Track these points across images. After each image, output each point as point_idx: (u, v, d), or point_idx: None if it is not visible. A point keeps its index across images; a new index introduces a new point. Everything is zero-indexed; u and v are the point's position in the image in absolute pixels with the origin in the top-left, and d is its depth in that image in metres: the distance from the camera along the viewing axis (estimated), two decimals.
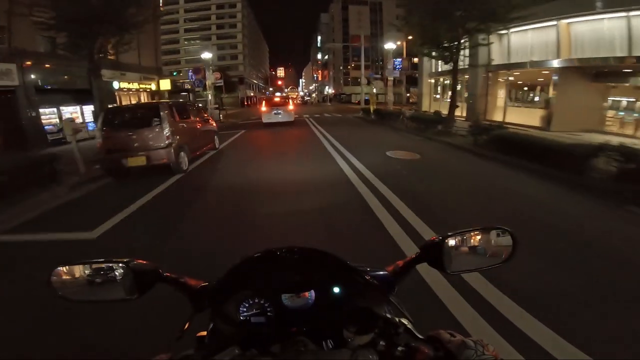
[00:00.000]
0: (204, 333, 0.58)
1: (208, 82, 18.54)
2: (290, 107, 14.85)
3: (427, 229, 3.17)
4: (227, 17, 64.46)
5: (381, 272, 0.61)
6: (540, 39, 12.22)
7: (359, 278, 0.57)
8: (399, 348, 0.52)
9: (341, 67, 64.93)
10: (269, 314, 0.54)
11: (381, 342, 0.53)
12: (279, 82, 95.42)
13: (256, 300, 0.54)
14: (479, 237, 0.63)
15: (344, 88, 64.62)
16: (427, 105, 21.68)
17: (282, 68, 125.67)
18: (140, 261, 0.59)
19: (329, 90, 69.55)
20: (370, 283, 0.57)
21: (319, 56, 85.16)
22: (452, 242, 0.62)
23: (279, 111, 14.28)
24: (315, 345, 0.53)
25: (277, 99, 16.92)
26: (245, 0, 67.16)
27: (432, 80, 21.76)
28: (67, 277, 0.59)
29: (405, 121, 12.41)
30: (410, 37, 16.06)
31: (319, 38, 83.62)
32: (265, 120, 14.26)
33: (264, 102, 15.09)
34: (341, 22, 63.31)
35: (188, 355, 0.53)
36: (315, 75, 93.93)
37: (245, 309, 0.54)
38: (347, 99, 61.19)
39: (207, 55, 19.95)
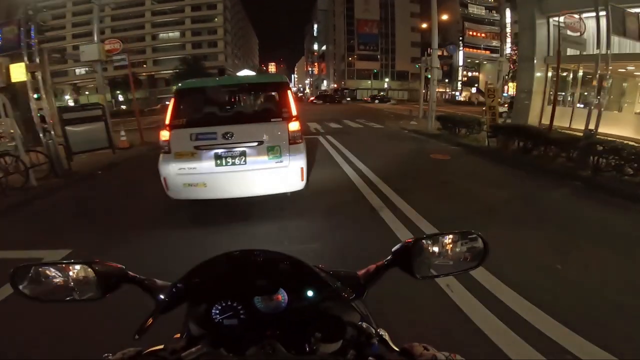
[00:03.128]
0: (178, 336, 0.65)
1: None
2: (293, 125, 4.11)
3: None
4: None
5: (352, 276, 0.69)
6: None
7: (325, 282, 0.64)
8: (369, 358, 0.58)
9: (344, 58, 64.48)
10: (241, 316, 0.62)
11: (351, 351, 0.60)
12: None
13: (229, 303, 0.62)
14: (450, 241, 0.72)
15: (347, 82, 64.03)
16: (536, 114, 13.54)
17: (273, 63, 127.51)
18: (106, 262, 0.70)
19: (327, 84, 68.88)
20: (335, 287, 0.64)
21: (315, 47, 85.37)
22: (423, 246, 0.71)
23: (241, 146, 4.02)
24: (287, 350, 0.58)
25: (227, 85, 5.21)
26: None
27: (549, 72, 13.82)
28: (30, 276, 0.68)
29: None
30: None
31: (316, 27, 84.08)
32: (174, 193, 4.14)
33: (172, 108, 4.11)
34: (344, 5, 63.14)
35: (157, 349, 0.59)
36: (310, 69, 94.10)
37: (217, 311, 0.62)
38: (352, 95, 60.65)
39: None
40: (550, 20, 12.84)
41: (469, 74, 60.26)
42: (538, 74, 13.49)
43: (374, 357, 0.59)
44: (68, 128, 8.62)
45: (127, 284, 0.70)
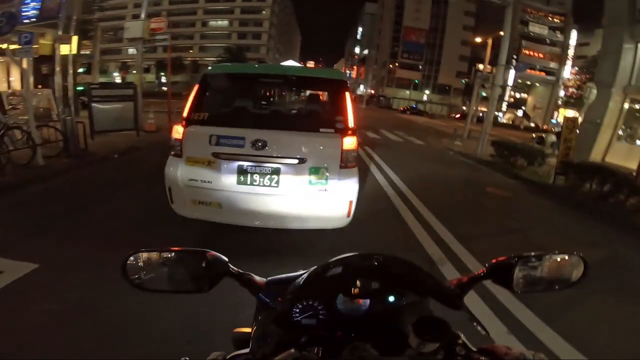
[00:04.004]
0: (242, 330, 0.66)
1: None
2: (349, 141, 2.97)
3: None
4: None
5: (446, 285, 0.70)
6: None
7: (427, 288, 0.66)
8: (458, 358, 0.58)
9: (385, 64, 62.75)
10: (320, 316, 0.62)
11: (441, 351, 0.59)
12: None
13: (310, 303, 0.62)
14: (549, 261, 0.73)
15: (385, 89, 62.36)
16: (601, 150, 11.85)
17: (312, 62, 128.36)
18: (214, 253, 0.67)
19: (364, 89, 67.62)
20: (440, 294, 0.65)
21: (357, 50, 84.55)
22: (521, 262, 0.71)
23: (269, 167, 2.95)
24: (378, 351, 0.58)
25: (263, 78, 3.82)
26: None
27: (626, 103, 12.08)
28: (144, 263, 0.67)
29: None
30: None
31: (360, 30, 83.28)
32: (179, 209, 3.12)
33: (193, 97, 3.11)
34: (393, 10, 61.36)
35: (243, 354, 0.59)
36: (348, 72, 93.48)
37: (298, 310, 0.62)
38: (386, 103, 59.01)
39: None
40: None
41: (517, 94, 56.90)
42: (612, 105, 11.69)
43: (462, 357, 0.59)
44: (94, 105, 8.14)
45: (228, 278, 0.68)
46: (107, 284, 2.25)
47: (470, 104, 17.72)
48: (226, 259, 0.69)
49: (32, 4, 8.58)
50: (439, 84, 60.75)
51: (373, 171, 7.00)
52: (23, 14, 9.02)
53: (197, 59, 58.65)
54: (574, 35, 52.72)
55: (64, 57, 9.66)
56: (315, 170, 2.88)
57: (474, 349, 0.61)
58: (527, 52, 54.97)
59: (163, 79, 48.48)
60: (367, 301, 0.64)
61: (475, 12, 55.56)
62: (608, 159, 11.62)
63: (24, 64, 6.38)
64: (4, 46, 7.04)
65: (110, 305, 2.24)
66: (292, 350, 0.56)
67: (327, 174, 2.89)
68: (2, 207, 4.05)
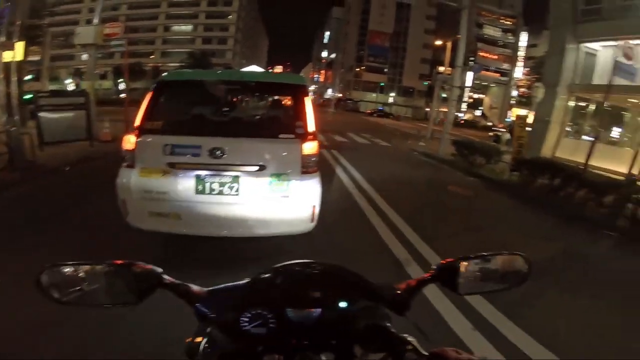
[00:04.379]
0: (195, 340, 0.63)
1: None
2: (309, 146, 2.93)
3: None
4: None
5: (393, 289, 0.70)
6: None
7: (375, 294, 0.67)
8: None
9: (352, 68, 63.82)
10: (270, 325, 0.61)
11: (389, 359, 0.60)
12: None
13: (259, 311, 0.61)
14: (493, 261, 0.74)
15: (352, 93, 63.29)
16: (550, 146, 12.64)
17: (280, 67, 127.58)
18: (143, 264, 0.65)
19: (332, 93, 68.26)
20: (388, 300, 0.67)
21: (324, 54, 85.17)
22: (466, 264, 0.71)
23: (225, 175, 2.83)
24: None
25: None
26: None
27: (572, 101, 12.97)
28: (59, 278, 0.63)
29: None
30: None
31: (327, 34, 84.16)
32: (135, 221, 2.90)
33: (146, 105, 2.93)
34: (359, 15, 62.77)
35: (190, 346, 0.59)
36: (316, 76, 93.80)
37: (246, 319, 0.61)
38: (354, 106, 59.98)
39: None
40: (581, 46, 12.14)
41: (475, 95, 59.94)
42: (559, 103, 12.60)
43: None
44: (43, 114, 7.59)
45: (162, 289, 0.66)
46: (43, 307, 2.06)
47: (432, 106, 18.42)
48: (159, 270, 0.66)
49: None
50: (404, 87, 62.62)
51: (339, 174, 7.06)
52: None
53: (159, 64, 56.52)
54: (524, 37, 56.36)
55: (7, 64, 8.97)
56: (276, 177, 2.82)
57: (425, 354, 0.60)
58: (482, 54, 58.18)
59: (122, 86, 46.25)
60: (319, 309, 0.63)
61: (436, 15, 57.69)
62: (558, 154, 12.42)
63: None
64: None
65: (78, 320, 2.09)
66: None
67: (288, 180, 2.84)
68: None
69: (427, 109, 37.51)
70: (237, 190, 2.79)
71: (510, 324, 2.45)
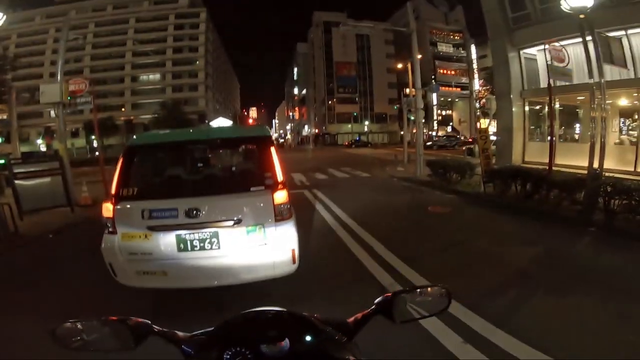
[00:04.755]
0: None
1: None
2: (280, 195, 3.16)
3: None
4: (187, 39, 63.89)
5: (343, 323, 0.85)
6: None
7: (322, 329, 0.80)
8: None
9: (324, 102, 65.45)
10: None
11: None
12: (250, 122, 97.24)
13: (238, 349, 0.71)
14: (422, 293, 0.92)
15: (328, 126, 64.30)
16: (519, 152, 13.37)
17: (254, 108, 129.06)
18: (135, 319, 0.82)
19: (308, 130, 69.35)
20: (330, 332, 0.80)
21: (296, 91, 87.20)
22: (400, 297, 0.89)
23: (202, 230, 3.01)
24: None
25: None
26: (210, 23, 68.45)
27: (527, 107, 13.67)
28: (70, 332, 0.80)
29: None
30: None
31: (296, 70, 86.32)
32: (124, 280, 3.09)
33: (119, 172, 3.14)
34: (323, 48, 65.09)
35: None
36: (291, 114, 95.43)
37: (228, 357, 0.70)
38: (332, 140, 61.11)
39: None
40: (521, 53, 12.86)
41: (443, 112, 62.83)
42: (516, 110, 13.35)
43: None
44: (19, 183, 7.55)
45: (153, 336, 0.81)
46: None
47: (404, 130, 19.20)
48: (149, 322, 0.82)
49: None
50: (376, 113, 64.48)
51: (321, 212, 7.15)
52: None
53: (132, 117, 56.08)
54: (473, 49, 60.19)
55: None
56: (252, 228, 3.02)
57: None
58: (442, 70, 61.76)
59: (95, 143, 45.47)
60: (287, 343, 0.72)
61: (393, 39, 60.79)
62: (527, 158, 13.04)
63: None
64: None
65: None
66: None
67: (265, 229, 3.03)
68: None
69: (402, 133, 38.93)
70: (217, 244, 2.97)
71: (500, 332, 2.57)
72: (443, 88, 59.38)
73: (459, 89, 61.99)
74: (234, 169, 4.04)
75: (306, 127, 74.80)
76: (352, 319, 0.87)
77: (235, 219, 2.99)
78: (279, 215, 3.08)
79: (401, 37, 49.21)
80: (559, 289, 3.39)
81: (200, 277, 3.01)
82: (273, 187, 3.12)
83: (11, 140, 15.59)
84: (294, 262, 3.13)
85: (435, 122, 59.33)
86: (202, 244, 2.96)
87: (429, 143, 38.25)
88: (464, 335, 2.57)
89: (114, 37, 60.79)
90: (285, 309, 0.84)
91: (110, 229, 2.98)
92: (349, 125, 62.64)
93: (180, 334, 0.83)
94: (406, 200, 8.60)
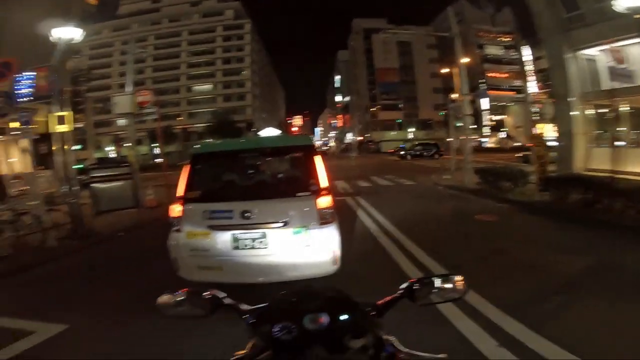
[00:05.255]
0: (241, 352, 0.88)
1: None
2: (323, 201, 3.45)
3: None
4: (234, 49, 67.18)
5: (372, 304, 0.97)
6: None
7: (357, 307, 0.92)
8: (383, 354, 0.83)
9: (367, 109, 64.78)
10: (293, 333, 0.82)
11: (371, 350, 0.82)
12: (295, 130, 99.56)
13: (285, 323, 0.83)
14: (440, 280, 1.03)
15: (372, 134, 63.48)
16: (581, 158, 11.98)
17: (299, 116, 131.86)
18: (212, 291, 1.02)
19: (351, 137, 69.04)
20: (366, 312, 0.93)
21: (338, 98, 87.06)
22: (423, 283, 1.02)
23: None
24: (326, 350, 0.80)
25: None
26: (255, 34, 71.36)
27: (590, 110, 12.57)
28: (166, 300, 1.02)
29: None
30: None
31: (337, 78, 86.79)
32: (186, 274, 3.53)
33: (186, 177, 3.62)
34: (364, 55, 64.52)
35: (241, 354, 0.87)
36: (334, 122, 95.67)
37: (277, 330, 0.83)
38: (376, 147, 60.31)
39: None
40: (579, 54, 11.90)
41: (495, 117, 59.39)
42: (576, 114, 12.26)
43: (387, 356, 0.83)
44: (95, 186, 8.65)
45: (224, 307, 1.01)
46: (132, 336, 3.03)
47: (452, 137, 18.55)
48: (224, 294, 1.02)
49: (25, 82, 8.55)
50: (421, 120, 62.61)
51: (364, 219, 7.21)
52: (18, 91, 8.82)
53: (187, 126, 59.97)
54: (527, 51, 56.28)
55: (62, 135, 9.34)
56: (298, 230, 3.34)
57: (403, 350, 0.84)
58: (491, 74, 58.29)
59: (156, 150, 49.50)
60: (327, 319, 0.84)
61: (436, 43, 58.32)
62: (591, 165, 11.88)
63: (25, 145, 6.70)
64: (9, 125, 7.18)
65: (130, 355, 2.73)
66: (269, 352, 0.81)
67: (309, 231, 3.33)
68: (24, 283, 4.70)
69: (449, 140, 37.54)
70: (266, 244, 3.33)
71: (539, 338, 2.56)
72: (494, 92, 56.29)
73: (513, 93, 58.41)
74: (282, 175, 4.42)
75: (349, 134, 74.69)
76: (381, 301, 0.98)
77: (282, 221, 3.33)
78: (323, 219, 3.37)
79: (445, 40, 47.33)
80: (607, 298, 3.22)
81: (250, 273, 3.37)
82: (317, 192, 3.43)
83: (87, 147, 17.59)
84: (335, 263, 3.39)
85: (486, 128, 56.33)
86: (252, 243, 3.33)
87: (402, 152, 35.78)
88: (500, 339, 2.61)
89: (170, 49, 65.36)
90: (328, 287, 1.01)
91: (177, 228, 3.45)
92: (393, 133, 61.53)
93: (244, 306, 0.99)
94: (451, 208, 8.44)
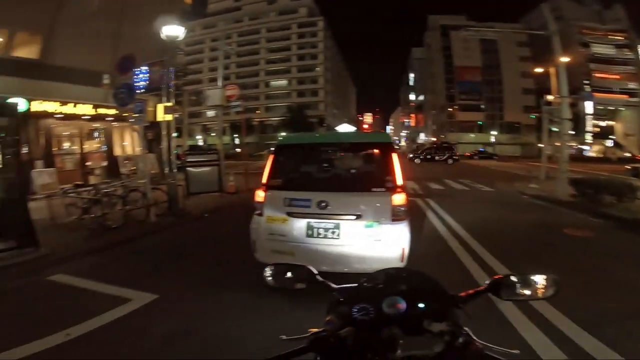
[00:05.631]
0: (315, 329, 0.90)
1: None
2: (398, 198, 3.55)
3: None
4: (308, 47, 69.80)
5: (456, 295, 1.00)
6: None
7: (436, 297, 0.97)
8: (459, 340, 0.83)
9: (443, 109, 61.40)
10: (371, 315, 0.88)
11: (446, 337, 0.83)
12: (365, 127, 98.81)
13: (364, 305, 0.90)
14: (530, 278, 1.03)
15: (447, 135, 59.90)
16: None
17: (370, 114, 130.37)
18: (307, 266, 1.14)
19: (424, 138, 66.30)
20: (444, 302, 0.96)
21: (412, 97, 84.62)
22: (510, 280, 1.02)
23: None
24: (404, 332, 0.84)
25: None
26: (328, 31, 72.75)
27: None
28: (269, 272, 1.16)
29: None
30: None
31: (412, 76, 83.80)
32: (260, 257, 3.80)
33: (270, 165, 3.94)
34: (441, 52, 61.22)
35: (320, 331, 0.89)
36: (406, 121, 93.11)
37: (356, 310, 0.89)
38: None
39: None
40: None
41: (601, 123, 51.50)
42: None
43: (462, 343, 0.82)
44: (190, 169, 9.81)
45: (316, 283, 1.11)
46: (209, 310, 3.35)
47: (544, 142, 16.66)
48: (316, 271, 1.11)
49: (142, 76, 9.51)
50: (506, 122, 57.58)
51: (432, 220, 7.09)
52: (136, 84, 9.61)
53: (264, 119, 64.04)
54: None
55: (168, 123, 11.08)
56: (370, 224, 3.45)
57: (478, 341, 0.84)
58: (599, 75, 50.74)
59: (236, 140, 53.78)
60: (404, 305, 0.88)
61: (528, 41, 52.94)
62: None
63: (138, 131, 7.80)
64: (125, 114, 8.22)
65: (212, 327, 3.03)
66: (350, 328, 0.86)
67: (380, 226, 3.43)
68: (128, 253, 5.38)
69: (541, 145, 33.79)
70: (338, 235, 3.48)
71: (614, 354, 2.47)
72: (601, 95, 48.73)
73: (625, 96, 50.06)
74: (358, 170, 4.50)
75: (422, 134, 71.95)
76: (464, 293, 1.00)
77: (356, 214, 3.46)
78: (395, 216, 3.45)
79: (539, 37, 42.02)
80: None
81: (319, 261, 3.50)
82: (393, 189, 3.51)
83: (182, 136, 20.05)
84: (402, 259, 3.42)
85: (588, 135, 49.25)
86: (325, 233, 3.50)
87: (410, 155, 35.63)
88: (570, 353, 2.51)
89: (250, 46, 69.99)
90: (418, 272, 1.05)
91: (259, 212, 3.76)
92: (472, 135, 57.58)
93: (332, 285, 1.07)
94: (536, 219, 7.65)
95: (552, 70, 18.84)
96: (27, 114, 10.72)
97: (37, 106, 11.44)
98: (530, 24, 39.77)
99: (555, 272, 0.97)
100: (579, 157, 37.56)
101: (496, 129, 57.28)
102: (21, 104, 9.75)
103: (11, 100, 8.98)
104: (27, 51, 12.02)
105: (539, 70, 28.76)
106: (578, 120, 48.04)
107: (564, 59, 11.28)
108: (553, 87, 19.33)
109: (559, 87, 11.47)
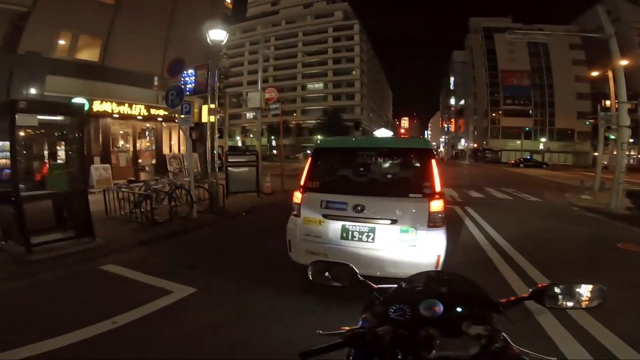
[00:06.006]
0: (346, 328, 0.91)
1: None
2: (436, 204, 3.51)
3: None
4: (344, 50, 69.33)
5: (497, 302, 0.99)
6: None
7: (474, 302, 0.98)
8: (495, 345, 0.84)
9: (487, 114, 58.48)
10: (407, 316, 0.89)
11: (483, 340, 0.84)
12: (402, 131, 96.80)
13: (400, 306, 0.91)
14: (575, 287, 1.00)
15: (490, 141, 57.42)
16: None
17: (406, 118, 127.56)
18: (348, 264, 1.20)
19: (465, 143, 63.68)
20: (481, 308, 0.97)
21: (452, 101, 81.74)
22: (553, 288, 1.00)
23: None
24: (442, 334, 0.83)
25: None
26: (364, 34, 72.03)
27: None
28: (314, 268, 1.25)
29: None
30: None
31: (452, 80, 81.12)
32: (295, 257, 3.94)
33: (308, 168, 4.05)
34: (484, 56, 58.40)
35: (358, 328, 0.91)
36: (446, 126, 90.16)
37: (392, 310, 0.91)
38: (494, 157, 54.39)
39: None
40: None
41: None
42: None
43: (499, 348, 0.83)
44: (230, 169, 10.24)
45: (357, 282, 1.15)
46: (243, 304, 3.47)
47: (600, 151, 15.48)
48: (357, 270, 1.18)
49: (188, 79, 9.69)
50: (557, 129, 53.72)
51: (470, 228, 6.87)
52: (184, 86, 9.75)
53: (300, 122, 64.60)
54: None
55: (210, 124, 11.61)
56: (405, 229, 3.42)
57: (515, 346, 0.85)
58: None
59: (273, 142, 54.92)
60: (442, 308, 0.89)
61: (582, 44, 49.44)
62: None
63: (184, 131, 8.06)
64: (175, 115, 8.39)
65: (246, 321, 3.14)
66: (387, 326, 0.87)
67: (416, 233, 3.39)
68: (172, 247, 5.69)
69: (595, 154, 31.07)
70: (372, 239, 3.48)
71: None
72: None
73: None
74: (395, 175, 4.49)
75: (462, 140, 69.04)
76: (505, 299, 1.00)
77: (392, 218, 3.43)
78: (432, 222, 3.40)
79: (593, 39, 38.20)
80: None
81: (353, 264, 3.52)
82: (430, 196, 3.46)
83: (223, 136, 20.92)
84: (437, 266, 3.35)
85: None
86: (360, 236, 3.52)
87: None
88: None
89: (288, 49, 70.60)
90: (460, 276, 1.07)
91: (296, 213, 3.85)
92: (518, 142, 54.36)
93: (372, 284, 1.13)
94: (587, 232, 7.14)
95: (609, 74, 17.36)
96: (89, 113, 11.77)
97: (97, 106, 12.51)
98: (585, 26, 37.05)
99: (603, 285, 0.96)
100: (637, 168, 34.20)
101: (545, 136, 53.66)
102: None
103: (76, 100, 9.98)
104: (88, 54, 13.19)
105: (594, 74, 26.76)
106: (638, 128, 43.67)
107: (623, 62, 10.40)
108: (611, 93, 17.82)
109: (617, 91, 10.59)
